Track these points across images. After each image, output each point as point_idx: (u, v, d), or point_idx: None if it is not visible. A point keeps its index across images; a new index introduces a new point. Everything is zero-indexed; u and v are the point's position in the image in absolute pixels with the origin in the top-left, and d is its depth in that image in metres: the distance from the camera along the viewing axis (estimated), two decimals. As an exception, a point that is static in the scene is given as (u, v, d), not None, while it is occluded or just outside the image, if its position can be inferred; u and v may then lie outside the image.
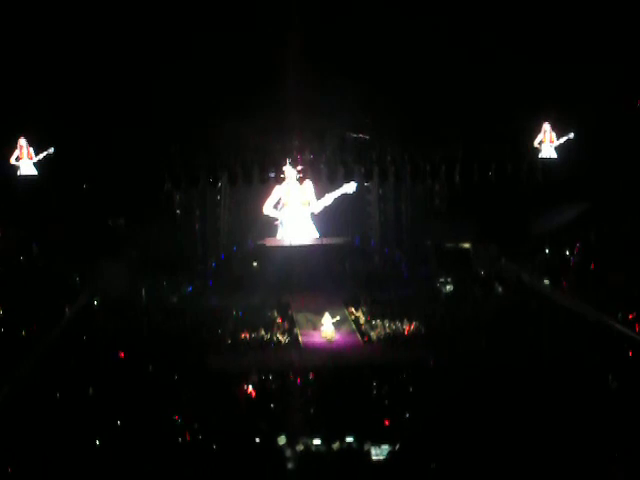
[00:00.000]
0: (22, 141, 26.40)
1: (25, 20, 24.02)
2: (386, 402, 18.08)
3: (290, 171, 29.15)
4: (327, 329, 24.56)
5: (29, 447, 14.83)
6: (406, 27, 24.76)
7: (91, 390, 18.28)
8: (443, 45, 25.36)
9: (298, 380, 19.73)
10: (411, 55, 25.47)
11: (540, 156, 28.32)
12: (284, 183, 29.56)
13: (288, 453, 15.15)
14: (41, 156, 26.53)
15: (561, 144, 28.01)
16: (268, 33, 24.47)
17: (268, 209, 30.28)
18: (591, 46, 25.11)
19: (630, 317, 22.70)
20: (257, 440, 15.63)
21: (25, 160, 26.51)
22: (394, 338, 24.39)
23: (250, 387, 19.24)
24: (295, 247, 30.51)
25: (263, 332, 24.54)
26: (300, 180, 28.97)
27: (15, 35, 24.12)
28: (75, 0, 23.95)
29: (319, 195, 30.16)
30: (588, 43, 25.06)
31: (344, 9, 24.48)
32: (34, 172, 26.71)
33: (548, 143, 28.12)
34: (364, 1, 24.43)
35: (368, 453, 15.21)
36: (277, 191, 30.07)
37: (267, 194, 30.21)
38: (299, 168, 28.94)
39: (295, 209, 30.44)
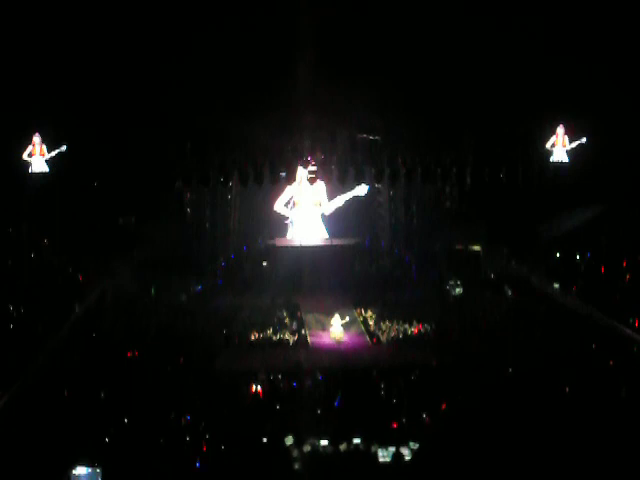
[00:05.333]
0: (36, 138, 26.47)
1: (43, 20, 24.10)
2: (394, 404, 18.04)
3: (301, 171, 29.16)
4: (336, 330, 24.57)
5: (37, 443, 14.88)
6: (419, 29, 24.72)
7: (100, 388, 18.29)
8: (456, 47, 25.30)
9: (306, 381, 19.73)
10: (423, 57, 25.42)
11: (552, 159, 28.23)
12: (295, 183, 29.61)
13: (295, 454, 15.16)
14: (53, 153, 26.58)
15: (573, 148, 27.91)
16: (281, 34, 24.48)
17: (279, 207, 30.33)
18: (607, 52, 25.03)
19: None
20: (264, 440, 15.64)
21: (37, 157, 26.56)
22: (403, 340, 24.40)
23: (258, 387, 19.25)
24: (305, 247, 30.55)
25: (272, 332, 24.58)
26: (311, 180, 28.92)
27: (33, 35, 24.21)
28: (92, 1, 24.00)
29: (330, 196, 30.20)
30: (604, 51, 24.98)
31: (357, 11, 24.47)
32: (45, 169, 26.76)
33: (560, 146, 28.02)
34: (377, 3, 24.40)
35: (375, 455, 15.21)
36: (289, 190, 30.13)
37: (278, 194, 30.29)
38: (310, 169, 28.90)
39: (306, 209, 30.50)
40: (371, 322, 25.87)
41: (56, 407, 16.97)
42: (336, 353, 23.39)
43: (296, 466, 14.90)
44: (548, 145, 28.12)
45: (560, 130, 27.91)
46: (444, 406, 17.33)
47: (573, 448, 14.40)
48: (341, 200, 30.11)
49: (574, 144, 27.84)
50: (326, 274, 29.08)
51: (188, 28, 24.75)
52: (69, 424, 15.85)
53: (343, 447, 15.35)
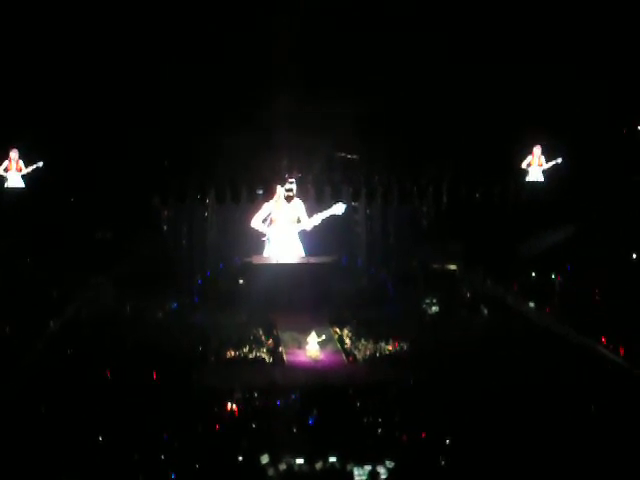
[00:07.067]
0: (13, 154, 26.36)
1: (20, 36, 24.08)
2: (370, 422, 18.01)
3: (279, 189, 29.15)
4: (312, 348, 24.55)
5: (12, 461, 14.72)
6: (396, 48, 24.90)
7: (75, 405, 18.13)
8: (432, 66, 25.51)
9: (282, 399, 19.66)
10: (400, 76, 25.61)
11: (527, 179, 28.45)
12: (272, 200, 29.57)
13: (271, 472, 15.09)
14: (30, 169, 26.46)
15: (549, 168, 28.15)
16: (259, 52, 24.58)
17: (256, 223, 30.22)
18: (584, 73, 25.33)
19: (614, 342, 22.74)
20: (239, 458, 15.56)
21: (13, 172, 26.44)
22: (379, 358, 24.39)
23: (233, 405, 19.16)
24: (282, 265, 30.47)
25: (248, 350, 24.50)
26: (288, 198, 28.88)
27: (9, 50, 24.17)
28: (68, 18, 24.00)
29: (308, 214, 30.22)
30: (581, 71, 25.28)
31: (334, 29, 24.63)
32: (21, 184, 26.63)
33: (536, 166, 28.27)
34: (353, 22, 24.57)
35: (351, 473, 15.16)
36: (266, 207, 30.09)
37: (255, 211, 30.24)
38: (287, 187, 28.91)
39: (283, 227, 30.46)
40: (347, 340, 25.84)
41: (30, 424, 16.81)
42: (312, 371, 23.31)
43: (271, 485, 14.86)
44: (524, 165, 28.34)
45: (537, 150, 28.16)
46: (421, 425, 17.33)
47: (549, 465, 14.46)
48: (318, 218, 30.09)
49: (550, 164, 28.10)
50: (302, 292, 29.00)
51: (166, 46, 24.80)
52: (44, 442, 15.70)
53: (319, 465, 15.31)
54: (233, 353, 24.29)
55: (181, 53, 24.61)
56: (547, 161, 28.11)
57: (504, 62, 25.10)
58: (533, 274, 28.64)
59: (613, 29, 24.75)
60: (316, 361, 24.32)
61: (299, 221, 30.33)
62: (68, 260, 26.48)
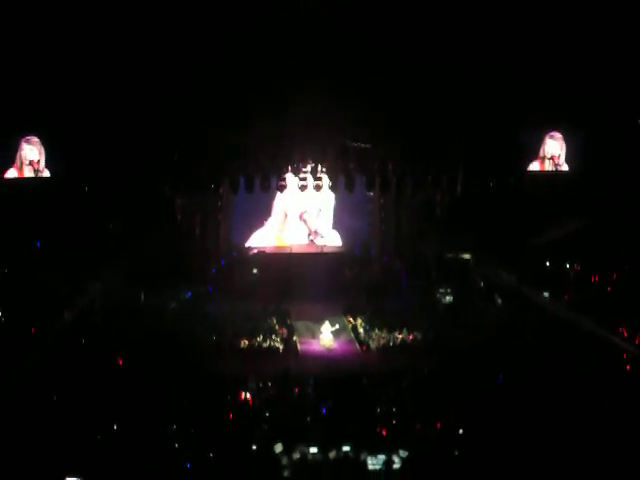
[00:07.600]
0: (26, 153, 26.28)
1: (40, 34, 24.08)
2: (383, 411, 18.05)
3: (293, 179, 29.05)
4: (326, 337, 24.61)
5: (25, 452, 14.83)
6: (407, 40, 24.80)
7: (88, 395, 18.23)
8: (446, 57, 25.39)
9: (296, 388, 19.73)
10: (414, 67, 25.51)
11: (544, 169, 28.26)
12: (286, 191, 29.44)
13: (284, 461, 15.17)
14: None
15: (565, 157, 27.97)
16: (271, 44, 24.52)
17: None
18: (595, 62, 25.17)
19: (629, 330, 22.67)
20: (254, 447, 15.64)
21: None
22: (393, 347, 24.42)
23: (248, 394, 19.24)
24: (295, 254, 30.53)
25: (262, 339, 24.56)
26: (302, 188, 28.71)
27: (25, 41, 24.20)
28: (74, 17, 23.97)
29: (321, 203, 30.27)
30: (591, 61, 25.11)
31: (345, 23, 24.55)
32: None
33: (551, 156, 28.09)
34: (364, 16, 24.48)
35: (364, 462, 15.22)
36: (280, 198, 30.06)
37: (270, 201, 30.21)
38: (301, 176, 28.81)
39: (297, 216, 30.55)
40: (361, 329, 25.89)
41: (44, 415, 16.91)
42: (326, 360, 23.39)
43: (285, 473, 14.93)
44: (541, 154, 28.15)
45: (549, 140, 27.98)
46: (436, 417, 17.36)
47: (563, 455, 14.47)
48: (330, 207, 30.13)
49: (562, 154, 27.91)
50: (316, 281, 29.03)
51: (177, 38, 24.76)
52: (57, 432, 15.80)
53: (332, 454, 15.38)
54: (247, 342, 24.37)
55: (196, 47, 24.57)
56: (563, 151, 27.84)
57: (516, 56, 24.95)
58: (547, 264, 28.54)
59: (617, 29, 24.63)
60: (330, 350, 24.39)
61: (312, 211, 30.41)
62: (82, 250, 26.50)
